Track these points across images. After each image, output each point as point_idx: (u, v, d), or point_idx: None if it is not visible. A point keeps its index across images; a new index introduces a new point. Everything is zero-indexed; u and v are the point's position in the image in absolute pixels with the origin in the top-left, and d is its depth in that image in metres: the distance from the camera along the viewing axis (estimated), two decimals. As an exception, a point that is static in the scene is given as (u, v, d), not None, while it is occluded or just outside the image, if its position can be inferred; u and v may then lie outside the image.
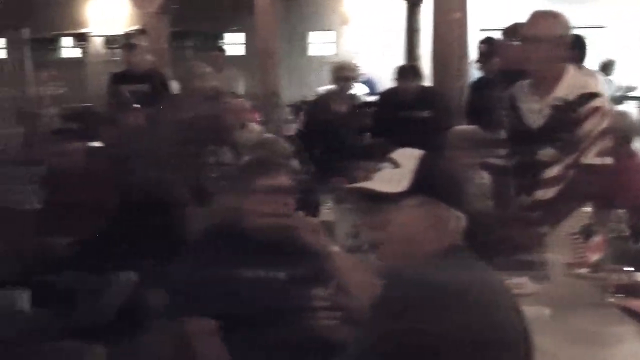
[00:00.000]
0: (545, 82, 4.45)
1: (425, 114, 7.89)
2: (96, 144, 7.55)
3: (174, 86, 8.88)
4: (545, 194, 4.44)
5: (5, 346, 3.57)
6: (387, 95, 8.59)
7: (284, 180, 3.72)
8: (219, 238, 3.75)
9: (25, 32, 13.61)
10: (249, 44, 16.62)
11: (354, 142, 7.86)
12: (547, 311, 3.27)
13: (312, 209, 5.27)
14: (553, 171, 4.42)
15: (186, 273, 3.67)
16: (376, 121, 8.25)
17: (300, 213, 3.46)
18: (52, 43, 17.59)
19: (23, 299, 4.27)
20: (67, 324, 4.28)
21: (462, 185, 2.54)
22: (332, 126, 7.86)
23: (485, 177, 5.60)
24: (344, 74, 7.98)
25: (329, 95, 8.31)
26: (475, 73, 8.83)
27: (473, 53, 8.62)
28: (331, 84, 8.29)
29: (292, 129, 9.81)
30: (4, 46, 14.98)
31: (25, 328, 3.81)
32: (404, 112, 7.94)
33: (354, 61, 8.26)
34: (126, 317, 5.63)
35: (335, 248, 3.15)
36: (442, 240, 2.33)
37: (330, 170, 6.77)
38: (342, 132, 7.85)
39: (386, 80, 10.04)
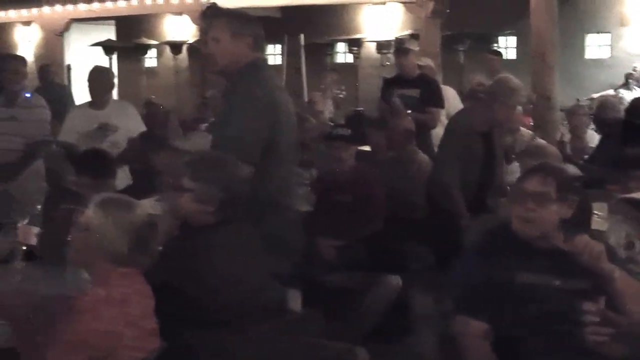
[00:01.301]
0: None
1: None
2: (366, 148, 7.66)
3: (451, 94, 8.85)
4: None
5: (275, 343, 3.67)
6: None
7: (551, 187, 3.60)
8: (494, 243, 3.72)
9: (301, 39, 14.04)
10: (520, 47, 16.33)
11: None
12: None
13: (584, 217, 5.08)
14: None
15: (464, 276, 3.71)
16: None
17: (585, 237, 3.36)
18: (327, 49, 18.05)
19: (295, 299, 4.37)
20: (334, 325, 4.33)
21: None
22: None
23: None
24: None
25: None
26: None
27: None
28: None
29: (564, 134, 9.50)
30: (281, 53, 15.54)
31: (294, 327, 3.89)
32: None
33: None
34: (392, 320, 5.66)
35: (617, 272, 3.04)
36: None
37: (612, 178, 6.48)
38: None
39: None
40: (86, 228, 3.30)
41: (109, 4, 16.01)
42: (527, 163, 5.23)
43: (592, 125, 8.79)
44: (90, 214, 3.31)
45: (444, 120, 8.08)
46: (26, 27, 19.25)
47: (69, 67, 17.62)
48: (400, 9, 15.65)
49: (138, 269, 3.36)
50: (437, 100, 8.19)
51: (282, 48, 15.02)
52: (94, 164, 5.25)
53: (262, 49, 4.44)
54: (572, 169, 7.11)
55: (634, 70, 14.82)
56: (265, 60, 4.58)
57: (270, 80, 4.43)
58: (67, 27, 16.84)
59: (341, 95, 13.49)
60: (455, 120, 6.49)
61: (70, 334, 3.16)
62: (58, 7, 16.62)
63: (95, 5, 16.10)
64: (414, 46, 8.63)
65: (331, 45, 18.30)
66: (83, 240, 3.32)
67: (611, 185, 6.13)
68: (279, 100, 4.30)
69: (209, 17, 4.34)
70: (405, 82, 8.27)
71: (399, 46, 8.62)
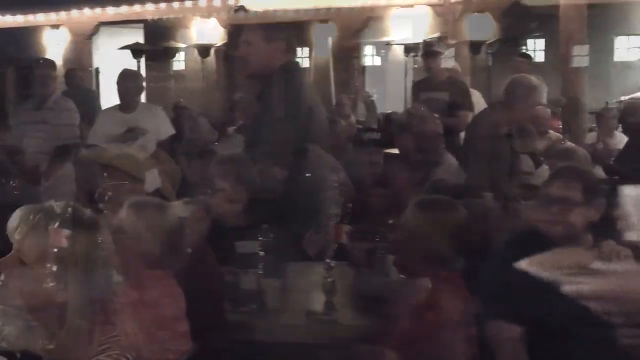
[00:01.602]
0: None
1: None
2: (394, 151, 7.63)
3: (476, 97, 8.82)
4: None
5: (304, 347, 3.67)
6: None
7: (576, 191, 3.57)
8: (523, 245, 3.69)
9: (329, 42, 14.05)
10: (548, 49, 16.26)
11: None
12: None
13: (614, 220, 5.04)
14: None
15: (495, 278, 3.68)
16: None
17: (611, 242, 3.33)
18: (355, 51, 18.02)
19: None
20: (364, 326, 4.34)
21: None
22: None
23: None
24: None
25: None
26: None
27: None
28: None
29: (594, 137, 9.45)
30: (308, 56, 15.55)
31: (324, 330, 3.89)
32: None
33: None
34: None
35: None
36: None
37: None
38: None
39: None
40: (119, 230, 3.31)
41: (137, 7, 16.08)
42: (556, 166, 5.21)
43: (620, 128, 8.75)
44: (123, 215, 3.33)
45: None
46: (55, 31, 19.32)
47: (97, 71, 17.71)
48: (428, 11, 15.61)
49: (170, 270, 3.37)
50: (467, 104, 8.15)
51: (310, 51, 15.04)
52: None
53: (294, 52, 4.45)
54: (600, 172, 7.08)
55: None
56: (298, 63, 4.59)
57: (304, 83, 4.45)
58: (95, 31, 16.94)
59: (372, 98, 13.48)
60: (477, 121, 6.46)
61: (102, 335, 3.17)
62: (87, 11, 16.71)
63: (124, 9, 16.17)
64: (442, 49, 8.60)
65: (357, 48, 18.27)
66: (115, 243, 3.34)
67: (639, 188, 6.09)
68: (312, 103, 4.32)
69: (240, 20, 4.35)
70: (434, 85, 8.24)
71: (427, 49, 8.59)
